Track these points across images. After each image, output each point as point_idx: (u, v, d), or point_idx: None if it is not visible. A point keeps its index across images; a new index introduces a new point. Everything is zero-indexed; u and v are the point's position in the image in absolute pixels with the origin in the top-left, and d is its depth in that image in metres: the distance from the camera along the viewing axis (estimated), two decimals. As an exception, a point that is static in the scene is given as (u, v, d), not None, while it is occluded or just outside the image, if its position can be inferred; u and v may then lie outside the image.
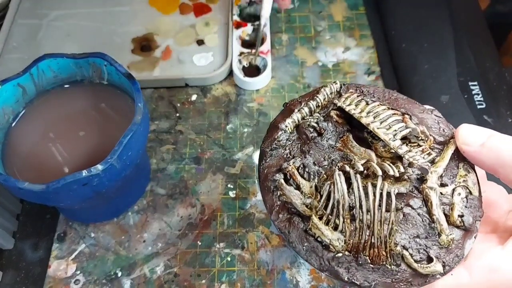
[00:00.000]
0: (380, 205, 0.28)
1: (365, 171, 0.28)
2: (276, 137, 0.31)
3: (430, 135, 0.30)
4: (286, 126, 0.32)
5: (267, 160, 0.31)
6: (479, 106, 0.48)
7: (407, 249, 0.28)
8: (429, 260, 0.28)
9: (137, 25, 0.56)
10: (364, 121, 0.30)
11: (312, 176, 0.30)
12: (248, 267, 0.41)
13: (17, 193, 0.36)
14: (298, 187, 0.30)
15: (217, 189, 0.46)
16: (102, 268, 0.42)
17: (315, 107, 0.32)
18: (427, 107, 0.32)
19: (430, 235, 0.28)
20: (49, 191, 0.34)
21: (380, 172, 0.28)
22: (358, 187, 0.28)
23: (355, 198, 0.28)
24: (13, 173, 0.38)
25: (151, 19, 0.56)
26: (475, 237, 0.28)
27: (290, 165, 0.30)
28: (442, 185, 0.29)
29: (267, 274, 0.41)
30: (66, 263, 0.42)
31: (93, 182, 0.35)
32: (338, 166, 0.30)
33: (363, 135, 0.32)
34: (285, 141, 0.32)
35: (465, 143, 0.29)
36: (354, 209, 0.28)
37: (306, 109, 0.32)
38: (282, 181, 0.30)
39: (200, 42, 0.54)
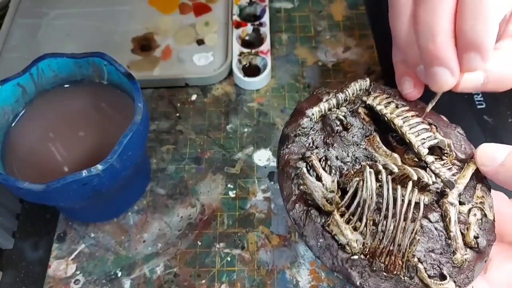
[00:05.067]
0: (406, 213, 0.26)
1: (392, 174, 0.27)
2: (300, 123, 0.30)
3: (453, 150, 0.30)
4: (313, 114, 0.30)
5: (289, 146, 0.30)
6: (479, 106, 0.48)
7: (421, 262, 0.27)
8: (442, 277, 0.27)
9: (137, 25, 0.56)
10: (396, 122, 0.29)
11: (333, 171, 0.29)
12: (248, 267, 0.41)
13: (17, 193, 0.36)
14: (318, 179, 0.28)
15: (217, 189, 0.46)
16: (102, 268, 0.42)
17: (342, 101, 0.31)
18: (448, 122, 0.31)
19: (445, 251, 0.27)
20: (49, 191, 0.34)
21: (415, 177, 0.26)
22: (388, 190, 0.26)
23: (383, 201, 0.26)
24: (13, 173, 0.38)
25: (151, 19, 0.56)
26: (485, 261, 0.28)
27: (313, 155, 0.29)
28: (460, 203, 0.28)
29: (267, 274, 0.41)
30: (66, 263, 0.42)
31: (93, 182, 0.35)
32: (368, 164, 0.28)
33: (388, 138, 0.31)
34: (308, 129, 0.30)
35: (484, 164, 0.28)
36: (380, 212, 0.27)
37: (334, 101, 0.31)
38: (305, 170, 0.29)
39: (200, 42, 0.54)
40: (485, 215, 0.29)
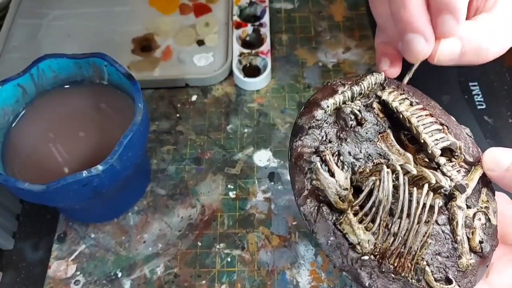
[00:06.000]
0: (421, 216, 0.26)
1: (406, 174, 0.27)
2: (315, 115, 0.29)
3: (462, 153, 0.29)
4: (328, 107, 0.29)
5: (302, 138, 0.29)
6: (479, 107, 0.48)
7: (429, 266, 0.27)
8: (448, 281, 0.27)
9: (137, 25, 0.56)
10: (413, 121, 0.29)
11: (346, 167, 0.28)
12: (248, 268, 0.41)
13: (17, 193, 0.36)
14: (331, 175, 0.28)
15: (217, 189, 0.46)
16: (102, 269, 0.42)
17: (357, 94, 0.30)
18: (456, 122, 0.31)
19: (451, 255, 0.27)
20: (49, 192, 0.34)
21: (433, 180, 0.26)
22: (404, 191, 0.26)
23: (398, 203, 0.26)
24: (13, 173, 0.38)
25: (151, 19, 0.56)
26: (487, 266, 0.28)
27: (327, 149, 0.28)
28: (467, 206, 0.28)
29: (267, 275, 0.41)
30: (66, 264, 0.42)
31: (93, 183, 0.35)
32: (386, 164, 0.27)
33: (399, 136, 0.30)
34: (322, 122, 0.29)
35: (490, 169, 0.28)
36: (393, 213, 0.26)
37: (349, 93, 0.30)
38: (319, 165, 0.28)
39: (200, 42, 0.54)
40: (489, 220, 0.28)
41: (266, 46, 0.53)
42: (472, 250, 0.27)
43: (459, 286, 0.27)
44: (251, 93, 0.52)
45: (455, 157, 0.29)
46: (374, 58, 0.53)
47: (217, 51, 0.53)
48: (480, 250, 0.27)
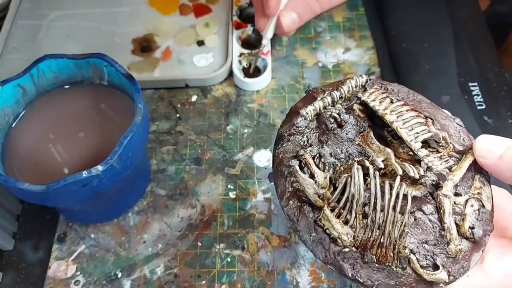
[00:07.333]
0: (395, 206, 0.27)
1: (384, 169, 0.28)
2: (295, 122, 0.31)
3: (450, 142, 0.30)
4: (307, 113, 0.31)
5: (284, 145, 0.31)
6: (479, 107, 0.48)
7: (414, 254, 0.28)
8: (435, 267, 0.27)
9: (137, 26, 0.56)
10: (387, 118, 0.30)
11: (327, 167, 0.30)
12: (248, 268, 0.41)
13: (17, 194, 0.36)
14: (312, 176, 0.29)
15: (217, 190, 0.46)
16: (102, 269, 0.42)
17: (338, 98, 0.32)
18: (450, 114, 0.32)
19: (439, 242, 0.28)
20: (49, 192, 0.34)
21: (400, 172, 0.27)
22: (375, 184, 0.27)
23: (370, 195, 0.27)
24: (13, 174, 0.38)
25: (151, 20, 0.56)
26: (482, 251, 0.28)
27: (306, 153, 0.30)
28: (456, 194, 0.29)
29: (267, 275, 0.41)
30: (66, 264, 0.42)
31: (93, 183, 0.35)
32: (356, 160, 0.29)
33: (383, 133, 0.31)
34: (303, 128, 0.31)
35: (482, 156, 0.28)
36: (368, 206, 0.28)
37: (329, 99, 0.32)
38: (297, 168, 0.29)
39: (200, 43, 0.54)
40: (483, 206, 0.29)
41: (266, 47, 0.53)
42: (462, 236, 0.28)
43: (448, 271, 0.27)
44: (251, 94, 0.52)
45: (442, 147, 0.29)
46: (374, 58, 0.54)
47: (217, 51, 0.53)
48: (471, 236, 0.28)
